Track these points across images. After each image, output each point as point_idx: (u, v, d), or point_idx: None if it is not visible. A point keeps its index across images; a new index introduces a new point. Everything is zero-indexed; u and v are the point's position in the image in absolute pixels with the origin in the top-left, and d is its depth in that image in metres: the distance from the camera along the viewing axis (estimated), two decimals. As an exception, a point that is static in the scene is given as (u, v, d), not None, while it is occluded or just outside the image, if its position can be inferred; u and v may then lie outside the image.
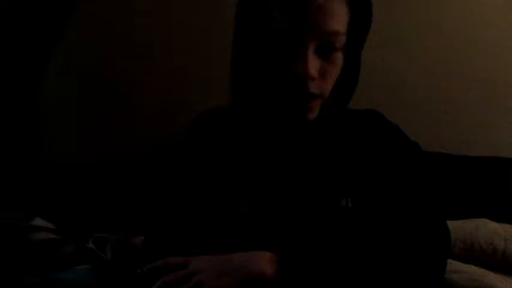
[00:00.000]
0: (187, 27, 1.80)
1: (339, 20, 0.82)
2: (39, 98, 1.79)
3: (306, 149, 0.90)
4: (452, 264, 1.26)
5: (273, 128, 0.90)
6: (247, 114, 0.93)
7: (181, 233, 0.91)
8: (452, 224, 1.26)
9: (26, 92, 1.76)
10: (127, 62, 1.81)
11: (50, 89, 1.79)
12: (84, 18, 1.78)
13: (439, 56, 1.74)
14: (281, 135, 0.91)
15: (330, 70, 0.84)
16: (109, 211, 1.65)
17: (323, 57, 0.83)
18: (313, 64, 0.81)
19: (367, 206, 0.86)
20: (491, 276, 1.27)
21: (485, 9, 1.73)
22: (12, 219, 1.29)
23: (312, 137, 0.91)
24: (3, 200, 1.47)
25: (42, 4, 1.68)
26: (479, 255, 1.36)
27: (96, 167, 1.75)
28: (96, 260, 1.17)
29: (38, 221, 1.33)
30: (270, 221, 0.86)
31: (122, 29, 1.80)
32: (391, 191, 0.87)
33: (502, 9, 1.73)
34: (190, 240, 0.89)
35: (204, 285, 0.76)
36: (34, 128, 1.80)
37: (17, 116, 1.75)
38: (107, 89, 1.82)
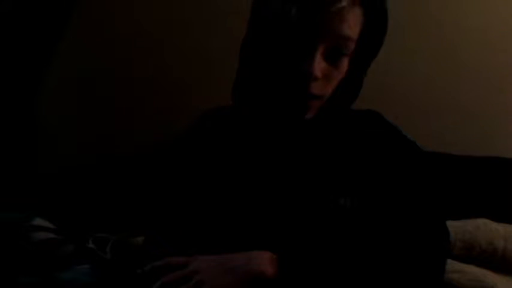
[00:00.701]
0: (188, 28, 1.80)
1: (352, 26, 0.82)
2: (40, 98, 1.79)
3: (305, 148, 0.91)
4: (452, 264, 1.26)
5: (271, 126, 0.91)
6: (247, 112, 0.93)
7: (181, 233, 0.91)
8: (452, 224, 1.26)
9: (26, 92, 1.76)
10: (127, 62, 1.81)
11: (50, 89, 1.79)
12: (84, 19, 1.78)
13: (440, 56, 1.74)
14: (280, 134, 0.91)
15: (333, 74, 0.85)
16: (109, 211, 1.65)
17: (329, 61, 0.84)
18: (319, 66, 0.82)
19: (366, 206, 0.86)
20: (491, 276, 1.27)
21: (486, 10, 1.73)
22: (12, 219, 1.29)
23: (311, 136, 0.91)
24: (3, 200, 1.47)
25: (43, 5, 1.68)
26: (479, 255, 1.35)
27: (96, 167, 1.75)
28: (96, 260, 1.17)
29: (38, 221, 1.34)
30: (269, 221, 0.86)
31: (121, 29, 1.80)
32: (390, 191, 0.87)
33: (503, 10, 1.73)
34: (190, 240, 0.89)
35: (205, 285, 0.76)
36: (34, 128, 1.80)
37: (17, 116, 1.75)
38: (107, 90, 1.82)
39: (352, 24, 0.82)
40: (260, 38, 0.86)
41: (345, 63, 0.85)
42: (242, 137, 0.93)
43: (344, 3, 0.79)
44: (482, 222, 1.43)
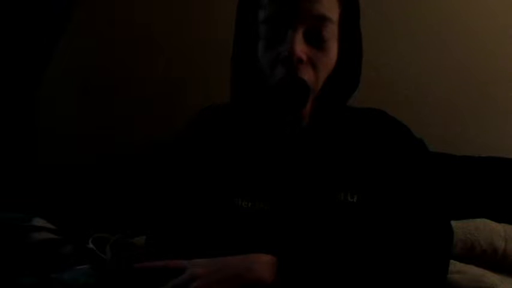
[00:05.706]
0: (188, 27, 1.80)
1: (326, 6, 0.84)
2: (39, 97, 1.78)
3: (307, 146, 0.90)
4: (453, 265, 1.26)
5: (270, 124, 0.90)
6: (245, 110, 0.93)
7: (182, 233, 0.91)
8: (452, 224, 1.26)
9: (26, 92, 1.76)
10: (126, 61, 1.81)
11: (50, 89, 1.79)
12: (84, 19, 1.78)
13: (440, 55, 1.74)
14: (279, 131, 0.90)
15: (320, 59, 0.85)
16: (109, 211, 1.65)
17: (313, 44, 0.84)
18: (301, 48, 0.83)
19: (371, 204, 0.85)
20: (491, 276, 1.27)
21: (485, 9, 1.73)
22: (12, 219, 1.29)
23: (314, 134, 0.90)
24: (3, 200, 1.47)
25: (42, 4, 1.68)
26: (479, 255, 1.35)
27: (96, 166, 1.75)
28: (96, 260, 1.17)
29: (38, 221, 1.33)
30: (271, 220, 0.86)
31: (121, 29, 1.80)
32: (396, 188, 0.87)
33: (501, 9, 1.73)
34: (191, 240, 0.89)
35: None
36: (34, 127, 1.80)
37: (17, 115, 1.75)
38: (107, 89, 1.82)
39: (326, 5, 0.84)
40: (245, 34, 0.88)
41: (331, 48, 0.86)
42: (243, 135, 0.93)
43: None
44: (482, 222, 1.43)
